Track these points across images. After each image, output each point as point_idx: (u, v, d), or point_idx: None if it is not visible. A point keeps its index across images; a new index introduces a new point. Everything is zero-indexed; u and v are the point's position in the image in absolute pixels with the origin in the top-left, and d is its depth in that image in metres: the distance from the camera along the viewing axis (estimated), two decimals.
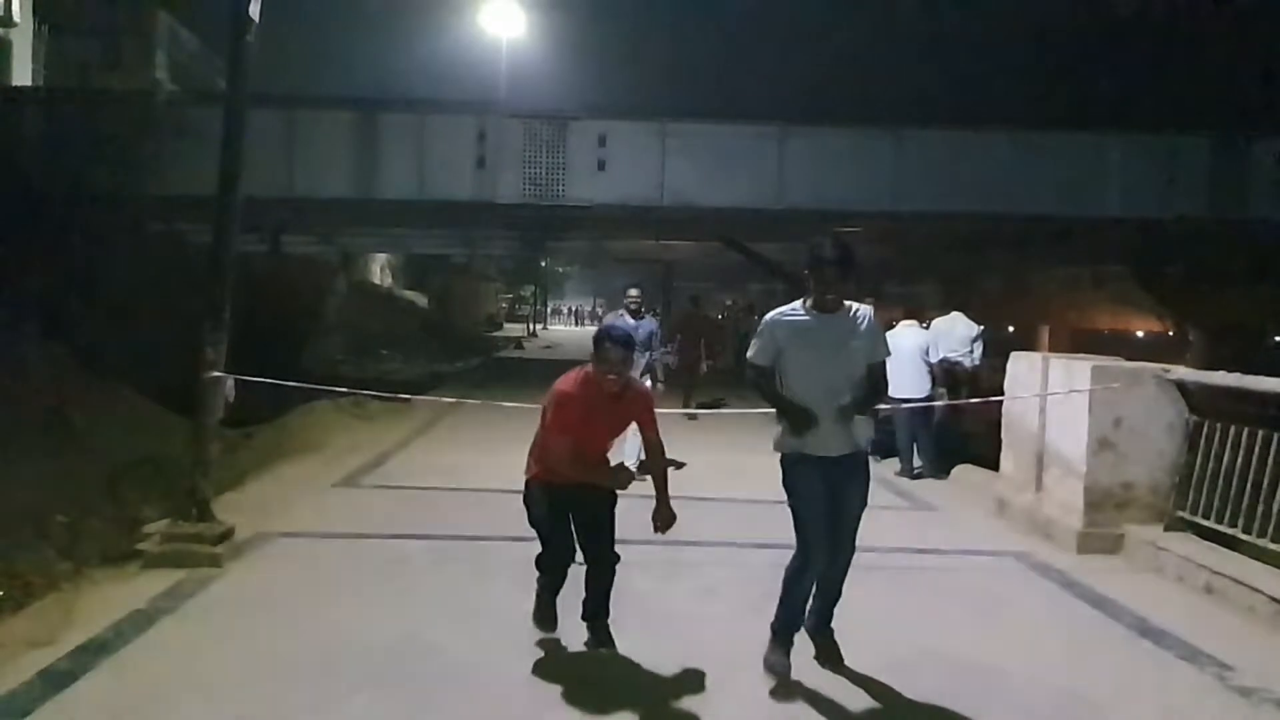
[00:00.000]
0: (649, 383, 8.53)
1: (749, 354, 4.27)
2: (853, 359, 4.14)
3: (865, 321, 4.16)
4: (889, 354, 4.29)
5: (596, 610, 4.47)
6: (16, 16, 19.80)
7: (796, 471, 4.15)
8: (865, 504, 4.22)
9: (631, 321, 8.72)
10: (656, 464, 4.45)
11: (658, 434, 4.47)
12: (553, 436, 4.36)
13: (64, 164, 13.12)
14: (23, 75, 19.84)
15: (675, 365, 9.99)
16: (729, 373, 22.03)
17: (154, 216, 14.90)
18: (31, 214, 11.80)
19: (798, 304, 4.22)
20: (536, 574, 4.61)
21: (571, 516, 4.43)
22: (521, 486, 4.53)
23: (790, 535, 4.16)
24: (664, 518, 4.42)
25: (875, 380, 4.22)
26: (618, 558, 4.47)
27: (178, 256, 14.43)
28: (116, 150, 13.63)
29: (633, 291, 9.26)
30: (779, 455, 4.25)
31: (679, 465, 8.90)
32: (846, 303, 4.18)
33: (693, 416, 11.36)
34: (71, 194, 12.63)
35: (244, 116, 6.43)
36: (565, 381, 4.38)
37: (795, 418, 4.07)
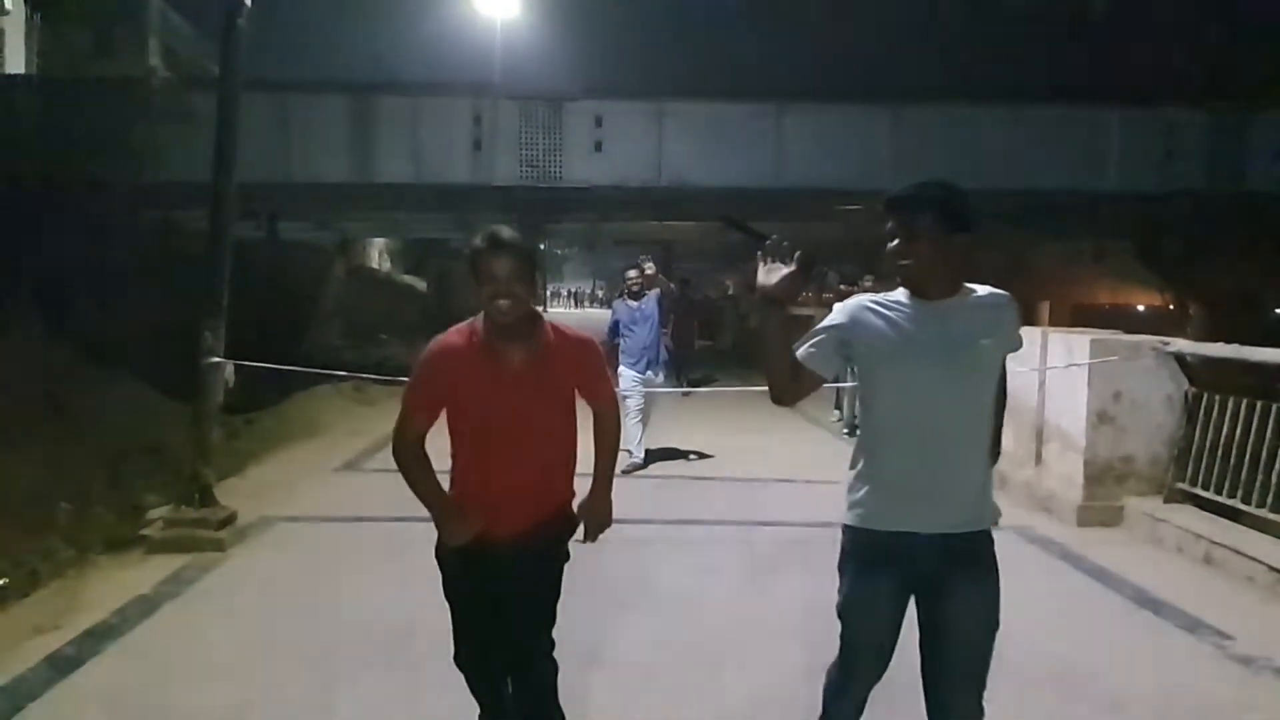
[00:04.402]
0: (654, 375, 8.42)
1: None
2: (981, 371, 2.48)
3: (1001, 307, 2.52)
4: (1020, 345, 2.61)
5: None
6: (9, 5, 19.73)
7: (853, 556, 2.58)
8: (996, 625, 2.52)
9: (633, 303, 8.62)
10: (605, 439, 2.99)
11: (613, 401, 3.02)
12: (405, 422, 2.78)
13: (58, 152, 13.07)
14: (16, 64, 19.76)
15: (671, 346, 10.31)
16: (726, 352, 22.12)
17: (150, 203, 14.85)
18: (26, 202, 11.77)
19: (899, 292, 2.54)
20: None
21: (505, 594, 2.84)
22: None
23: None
24: (598, 516, 2.94)
25: (1001, 400, 2.63)
26: (554, 666, 2.94)
27: (175, 243, 14.39)
28: (111, 137, 13.57)
29: (631, 273, 8.71)
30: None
31: (701, 456, 8.95)
32: (968, 284, 2.52)
33: (686, 394, 11.79)
34: (66, 182, 12.59)
35: (238, 102, 6.43)
36: (441, 336, 2.82)
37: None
